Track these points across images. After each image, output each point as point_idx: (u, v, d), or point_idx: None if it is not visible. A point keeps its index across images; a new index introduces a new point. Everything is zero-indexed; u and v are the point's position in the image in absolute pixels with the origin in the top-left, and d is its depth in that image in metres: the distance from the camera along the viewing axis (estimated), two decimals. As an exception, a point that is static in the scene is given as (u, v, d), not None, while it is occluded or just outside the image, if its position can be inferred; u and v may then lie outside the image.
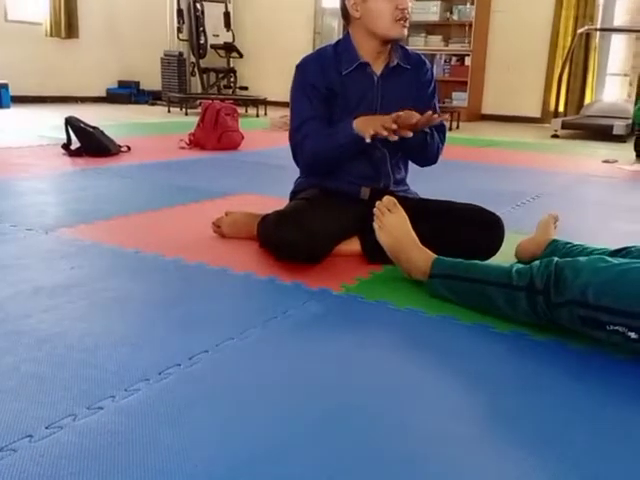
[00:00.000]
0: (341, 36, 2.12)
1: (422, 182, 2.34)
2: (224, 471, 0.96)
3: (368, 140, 1.81)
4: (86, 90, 8.95)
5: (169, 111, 8.04)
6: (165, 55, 9.08)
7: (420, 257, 1.76)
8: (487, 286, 1.57)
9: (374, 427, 1.09)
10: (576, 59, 7.70)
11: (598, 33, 7.69)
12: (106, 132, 4.20)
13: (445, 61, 8.56)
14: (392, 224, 1.83)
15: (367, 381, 1.27)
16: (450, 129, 6.41)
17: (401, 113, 1.79)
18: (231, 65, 9.19)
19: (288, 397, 1.19)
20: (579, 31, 7.11)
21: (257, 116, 7.96)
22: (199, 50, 8.56)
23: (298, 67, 2.04)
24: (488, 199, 2.40)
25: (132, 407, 1.12)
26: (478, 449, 1.05)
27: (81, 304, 1.60)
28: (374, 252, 1.92)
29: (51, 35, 8.50)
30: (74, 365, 1.27)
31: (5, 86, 7.53)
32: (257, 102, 8.29)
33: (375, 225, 1.85)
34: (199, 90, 8.94)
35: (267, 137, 5.81)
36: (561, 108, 7.58)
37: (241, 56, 9.02)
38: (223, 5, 9.04)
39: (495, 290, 1.55)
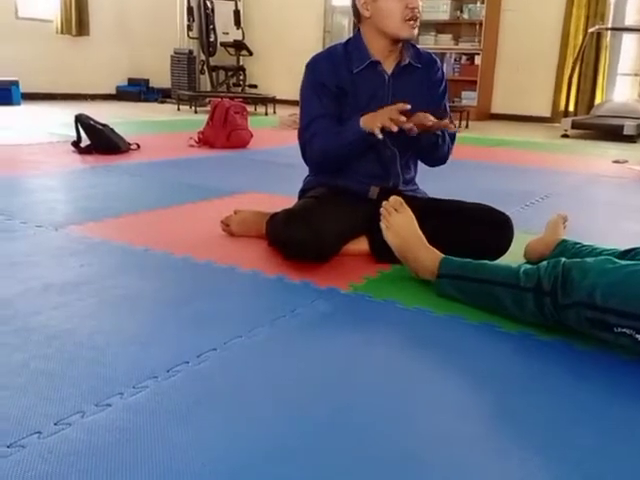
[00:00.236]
0: (351, 35, 2.11)
1: (431, 181, 2.34)
2: (231, 469, 0.96)
3: (380, 136, 1.81)
4: (96, 87, 8.99)
5: (179, 109, 8.06)
6: (175, 53, 9.11)
7: (427, 257, 1.76)
8: (495, 287, 1.57)
9: (380, 426, 1.10)
10: (587, 59, 7.66)
11: (609, 32, 7.65)
12: (116, 130, 4.21)
13: (455, 60, 8.55)
14: (399, 224, 1.83)
15: (374, 380, 1.27)
16: (459, 128, 6.39)
17: (408, 106, 1.80)
18: (240, 63, 9.20)
19: (296, 396, 1.19)
20: (590, 30, 7.09)
21: (266, 114, 7.97)
22: (209, 48, 8.57)
23: (308, 65, 2.04)
24: (497, 199, 2.39)
25: (140, 404, 1.12)
26: (483, 448, 1.05)
27: (90, 301, 1.61)
28: (382, 251, 1.92)
29: (62, 32, 8.54)
30: (83, 362, 1.28)
31: (16, 83, 7.57)
32: (266, 100, 8.30)
33: (382, 225, 1.85)
34: (208, 88, 8.96)
35: (276, 135, 5.82)
36: (571, 108, 7.56)
37: (251, 54, 9.03)
38: (233, 3, 9.06)
39: (503, 291, 1.55)
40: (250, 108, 6.55)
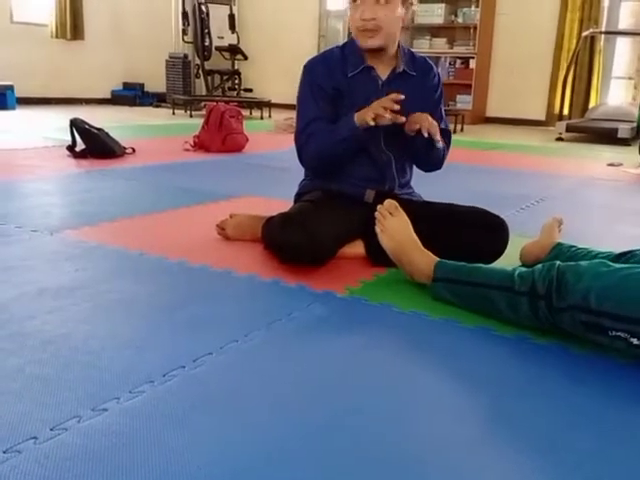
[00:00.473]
0: (346, 39, 2.13)
1: (426, 185, 2.34)
2: (227, 474, 0.96)
3: (372, 123, 1.83)
4: (91, 92, 8.98)
5: (174, 113, 8.06)
6: (170, 57, 9.10)
7: (422, 260, 1.77)
8: (490, 290, 1.57)
9: (377, 430, 1.10)
10: (581, 62, 7.68)
11: (603, 36, 7.68)
12: (111, 134, 4.20)
13: (450, 64, 8.57)
14: (394, 227, 1.83)
15: (371, 383, 1.27)
16: (454, 132, 6.41)
17: (401, 96, 1.84)
18: (236, 67, 9.20)
19: (292, 399, 1.19)
20: (584, 34, 7.12)
21: (261, 118, 7.98)
22: (204, 52, 8.57)
23: (305, 68, 2.06)
24: (492, 202, 2.40)
25: (136, 409, 1.12)
26: (480, 452, 1.05)
27: (85, 306, 1.60)
28: (378, 255, 1.93)
29: (56, 37, 8.53)
30: (79, 367, 1.28)
31: (11, 87, 7.56)
32: (261, 104, 8.31)
33: (377, 229, 1.85)
34: (204, 92, 8.95)
35: (271, 139, 5.82)
36: (566, 111, 7.58)
37: (246, 58, 9.03)
38: (228, 7, 9.07)
39: (497, 294, 1.55)
40: (245, 112, 6.57)
